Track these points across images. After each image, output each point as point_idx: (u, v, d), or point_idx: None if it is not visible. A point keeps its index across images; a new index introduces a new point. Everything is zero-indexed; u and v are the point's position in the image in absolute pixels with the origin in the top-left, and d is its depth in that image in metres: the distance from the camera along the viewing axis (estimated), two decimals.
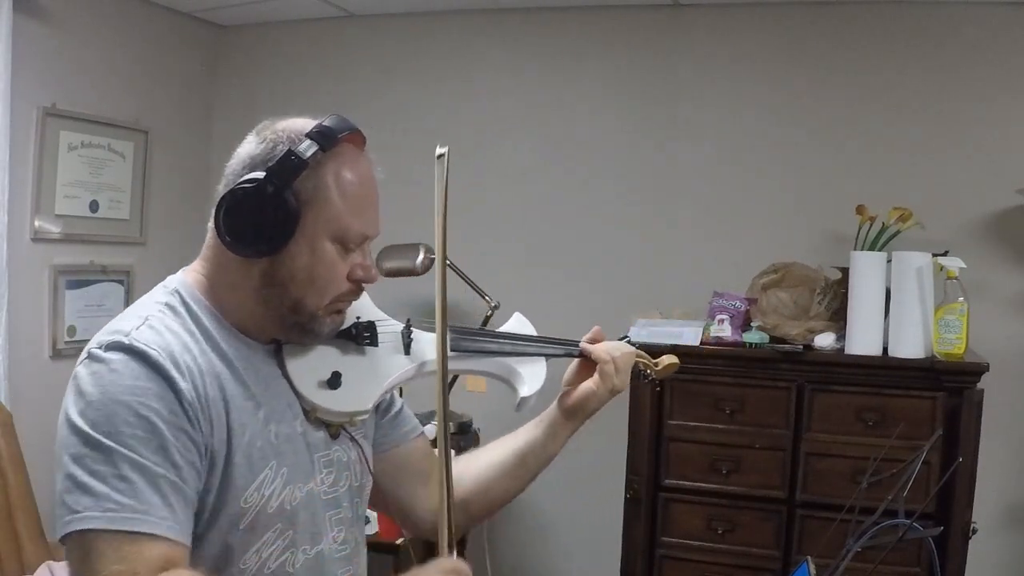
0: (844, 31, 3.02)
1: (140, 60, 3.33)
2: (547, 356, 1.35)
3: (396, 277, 2.84)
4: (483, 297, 2.98)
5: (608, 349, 1.35)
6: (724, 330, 2.70)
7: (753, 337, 2.67)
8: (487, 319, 2.92)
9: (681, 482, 2.70)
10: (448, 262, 2.89)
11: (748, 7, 3.10)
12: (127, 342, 1.03)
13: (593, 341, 1.37)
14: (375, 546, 2.49)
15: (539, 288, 3.16)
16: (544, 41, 3.34)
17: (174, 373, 1.02)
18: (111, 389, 0.99)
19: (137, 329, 1.05)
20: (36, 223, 2.95)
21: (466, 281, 2.96)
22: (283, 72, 3.62)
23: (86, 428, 0.97)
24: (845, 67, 3.01)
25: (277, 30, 3.65)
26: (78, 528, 0.94)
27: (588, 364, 1.35)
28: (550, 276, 3.20)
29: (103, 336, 1.05)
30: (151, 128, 3.27)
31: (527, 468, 1.36)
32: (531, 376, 1.33)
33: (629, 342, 1.50)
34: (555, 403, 1.37)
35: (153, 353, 1.02)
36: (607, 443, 3.07)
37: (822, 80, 3.04)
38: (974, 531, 2.47)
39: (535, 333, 1.40)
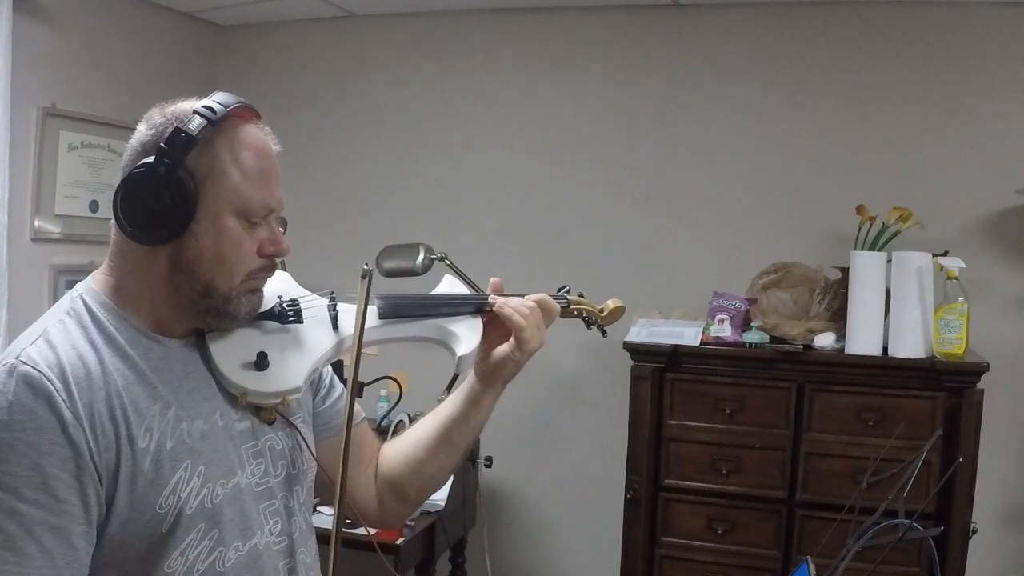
0: (844, 31, 3.02)
1: (140, 60, 3.33)
2: (470, 313, 1.31)
3: (396, 277, 2.84)
4: (477, 291, 2.98)
5: (518, 309, 1.30)
6: (724, 330, 2.70)
7: (753, 337, 2.67)
8: None
9: (681, 482, 2.70)
10: (447, 261, 2.88)
11: (748, 7, 3.10)
12: (15, 363, 1.00)
13: (494, 290, 1.34)
14: (374, 546, 2.49)
15: (539, 288, 3.15)
16: (544, 41, 3.34)
17: (59, 397, 0.99)
18: None
19: (33, 344, 1.03)
20: (36, 223, 2.95)
21: (465, 280, 2.95)
22: (283, 72, 3.62)
23: None
24: (845, 67, 3.01)
25: (277, 30, 3.65)
26: None
27: (497, 322, 1.31)
28: (550, 276, 3.19)
29: (2, 356, 1.04)
30: None
31: (453, 442, 1.33)
32: (466, 333, 1.29)
33: (566, 293, 1.47)
34: (472, 371, 1.33)
35: (37, 376, 0.99)
36: (607, 443, 3.08)
37: (822, 80, 3.04)
38: (974, 531, 2.47)
39: (465, 292, 1.37)
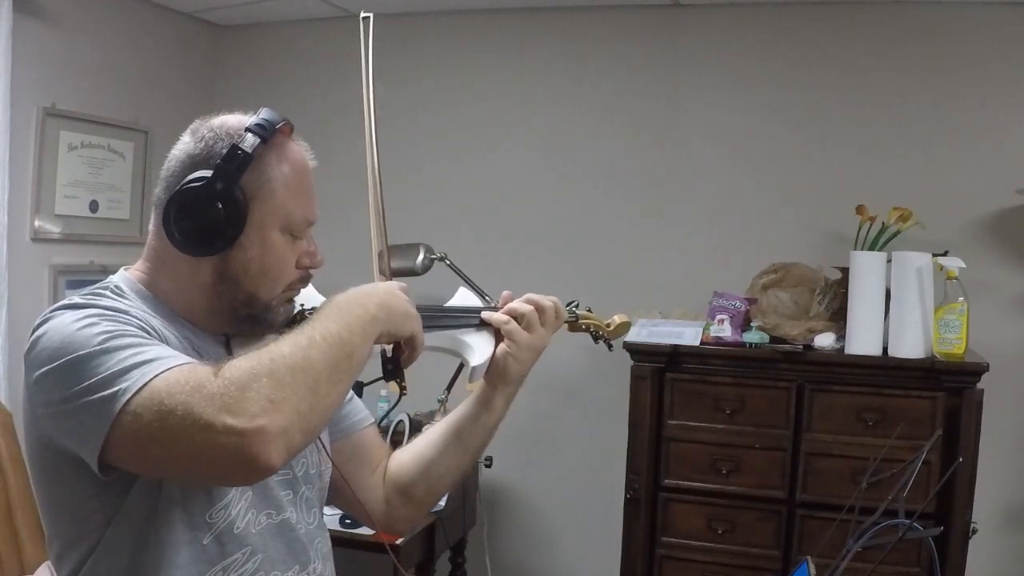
0: (844, 31, 3.02)
1: (140, 60, 3.33)
2: (476, 326, 1.35)
3: (396, 277, 2.84)
4: (483, 297, 2.98)
5: (510, 309, 1.34)
6: (724, 330, 2.70)
7: (753, 337, 2.67)
8: None
9: (681, 482, 2.69)
10: (447, 261, 2.88)
11: (748, 7, 3.10)
12: (64, 304, 1.03)
13: (505, 303, 1.38)
14: (375, 546, 2.49)
15: (539, 288, 3.15)
16: (544, 41, 3.34)
17: (130, 311, 1.03)
18: (66, 329, 0.98)
19: (76, 299, 1.06)
20: (36, 223, 2.95)
21: (465, 281, 2.96)
22: (283, 72, 3.62)
23: (68, 359, 0.96)
24: (845, 67, 3.01)
25: (277, 30, 3.65)
26: (126, 400, 0.91)
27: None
28: (550, 276, 3.20)
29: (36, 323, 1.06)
30: (151, 128, 3.27)
31: (463, 443, 1.36)
32: (479, 345, 1.33)
33: (575, 308, 1.50)
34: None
35: (97, 300, 1.04)
36: (607, 443, 3.08)
37: (822, 80, 3.04)
38: (974, 531, 2.47)
39: (480, 305, 1.40)
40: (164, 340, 1.04)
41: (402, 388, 1.19)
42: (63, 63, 3.02)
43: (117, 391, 0.92)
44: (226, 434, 0.88)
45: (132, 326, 1.00)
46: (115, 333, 0.97)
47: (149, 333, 1.02)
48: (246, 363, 0.93)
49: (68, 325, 0.98)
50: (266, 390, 0.91)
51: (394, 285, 1.17)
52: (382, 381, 1.24)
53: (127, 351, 0.95)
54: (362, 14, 1.18)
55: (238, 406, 0.89)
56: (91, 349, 0.95)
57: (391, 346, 1.16)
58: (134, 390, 0.91)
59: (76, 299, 1.05)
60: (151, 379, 0.92)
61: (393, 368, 1.16)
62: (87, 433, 0.94)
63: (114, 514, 1.03)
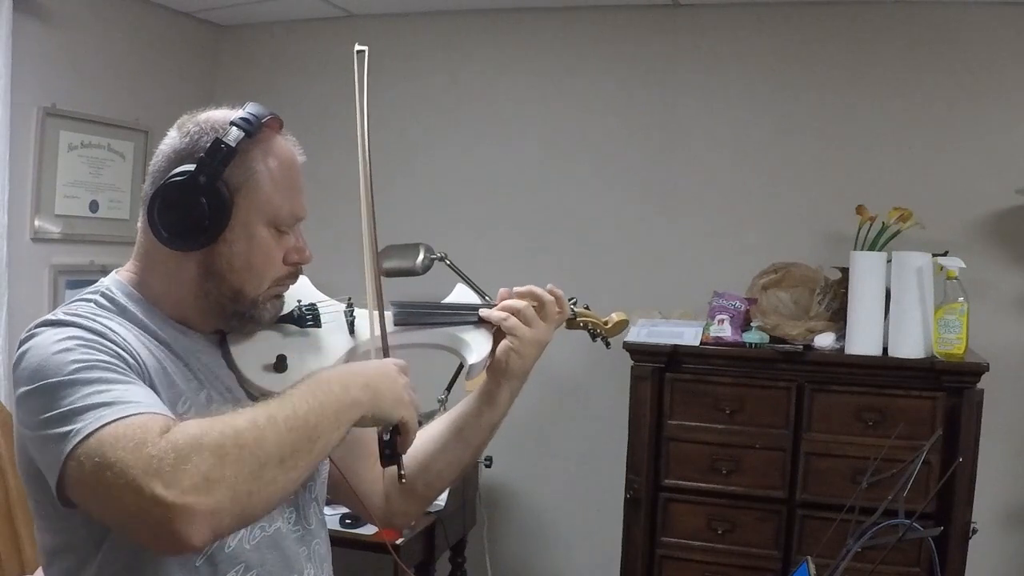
0: (844, 31, 3.02)
1: (140, 60, 3.33)
2: (474, 323, 1.33)
3: (395, 277, 2.84)
4: (483, 297, 2.98)
5: (508, 306, 1.33)
6: (724, 330, 2.70)
7: (753, 337, 2.67)
8: None
9: (681, 482, 2.69)
10: (447, 261, 2.88)
11: (748, 7, 3.10)
12: (48, 320, 1.03)
13: (502, 300, 1.36)
14: (375, 546, 2.49)
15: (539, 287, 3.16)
16: (544, 41, 3.34)
17: (109, 334, 1.02)
18: (45, 351, 0.97)
19: (60, 315, 1.05)
20: (36, 223, 2.95)
21: (465, 280, 2.96)
22: (283, 72, 3.62)
23: (40, 385, 0.95)
24: (845, 67, 3.02)
25: (277, 30, 3.65)
26: (74, 444, 0.89)
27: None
28: (550, 276, 3.19)
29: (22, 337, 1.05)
30: (151, 128, 3.27)
31: (465, 439, 1.34)
32: (477, 343, 1.32)
33: (573, 306, 1.49)
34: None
35: (80, 320, 1.02)
36: (607, 443, 3.08)
37: (822, 80, 3.04)
38: (974, 531, 2.47)
39: (477, 302, 1.39)
40: (143, 365, 1.03)
41: (400, 476, 1.15)
42: (63, 63, 3.02)
43: (70, 431, 0.90)
44: (152, 502, 0.85)
45: (106, 354, 0.98)
46: (86, 364, 0.96)
47: (126, 360, 1.00)
48: (196, 430, 0.90)
49: (47, 347, 0.98)
50: (205, 466, 0.87)
51: (391, 365, 1.12)
52: None
53: (92, 387, 0.93)
54: (356, 48, 1.17)
55: (172, 476, 0.86)
56: (60, 378, 0.94)
57: (390, 428, 1.10)
58: (83, 434, 0.89)
59: (60, 314, 1.04)
60: (101, 427, 0.89)
61: (391, 453, 1.12)
62: (47, 465, 0.95)
63: (103, 534, 1.02)
